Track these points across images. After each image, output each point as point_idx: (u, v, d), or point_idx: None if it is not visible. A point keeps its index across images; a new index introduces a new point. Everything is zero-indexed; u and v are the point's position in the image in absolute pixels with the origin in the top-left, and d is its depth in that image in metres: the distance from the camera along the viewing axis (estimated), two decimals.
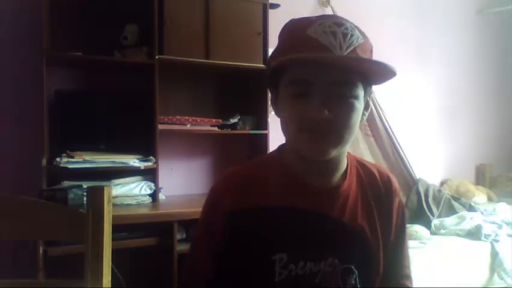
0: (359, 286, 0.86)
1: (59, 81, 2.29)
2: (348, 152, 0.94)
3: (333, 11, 3.02)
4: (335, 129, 0.80)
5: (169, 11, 2.26)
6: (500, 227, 2.81)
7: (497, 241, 2.66)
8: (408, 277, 0.97)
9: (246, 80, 2.67)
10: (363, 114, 0.87)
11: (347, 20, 0.83)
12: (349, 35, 0.79)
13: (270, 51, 2.53)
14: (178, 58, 2.29)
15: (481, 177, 3.85)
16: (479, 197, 3.44)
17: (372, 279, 0.88)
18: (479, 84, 3.86)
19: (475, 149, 3.81)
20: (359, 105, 0.82)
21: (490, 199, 3.55)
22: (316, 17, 0.83)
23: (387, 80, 0.83)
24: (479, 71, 3.86)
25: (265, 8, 2.52)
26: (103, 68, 2.38)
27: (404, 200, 2.91)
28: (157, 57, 2.23)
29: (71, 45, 2.18)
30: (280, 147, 0.95)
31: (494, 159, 3.86)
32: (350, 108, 0.80)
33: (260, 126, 2.58)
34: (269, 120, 2.57)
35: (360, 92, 0.82)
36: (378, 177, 0.94)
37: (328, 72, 0.78)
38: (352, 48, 0.78)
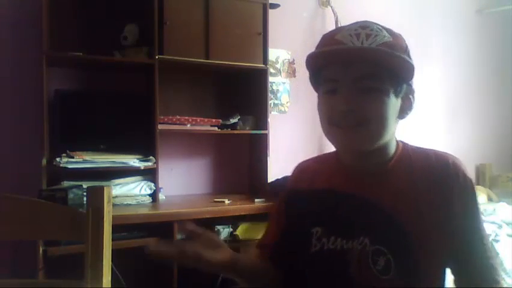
0: (392, 269, 0.84)
1: (59, 81, 2.29)
2: (399, 141, 0.98)
3: (333, 11, 3.02)
4: (360, 121, 0.84)
5: (169, 11, 2.26)
6: (500, 227, 2.81)
7: (497, 241, 2.66)
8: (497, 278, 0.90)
9: (246, 80, 2.67)
10: (405, 112, 0.91)
11: (375, 24, 0.88)
12: (373, 35, 0.84)
13: (270, 51, 2.55)
14: (178, 58, 2.29)
15: (481, 177, 3.84)
16: (479, 197, 3.42)
17: (413, 266, 0.85)
18: (479, 84, 3.85)
19: (475, 149, 3.80)
20: (387, 98, 0.84)
21: (490, 199, 3.55)
22: (350, 24, 0.90)
23: (411, 73, 0.86)
24: (479, 71, 3.85)
25: (265, 8, 2.53)
26: (103, 68, 2.38)
27: None
28: (157, 57, 2.23)
29: (71, 45, 2.18)
30: None
31: (494, 159, 3.86)
32: (374, 100, 0.84)
33: (260, 126, 2.58)
34: (269, 120, 2.57)
35: (388, 87, 0.84)
36: (434, 162, 0.92)
37: (351, 68, 0.84)
38: (375, 45, 0.83)
